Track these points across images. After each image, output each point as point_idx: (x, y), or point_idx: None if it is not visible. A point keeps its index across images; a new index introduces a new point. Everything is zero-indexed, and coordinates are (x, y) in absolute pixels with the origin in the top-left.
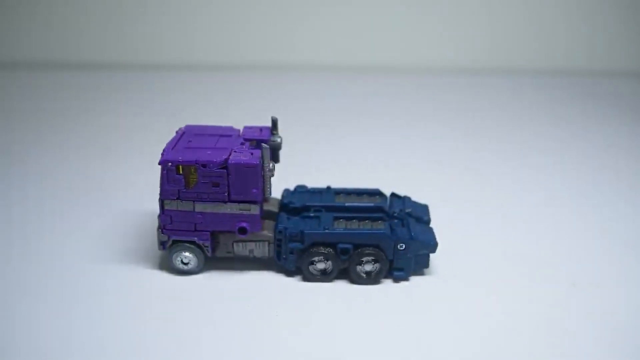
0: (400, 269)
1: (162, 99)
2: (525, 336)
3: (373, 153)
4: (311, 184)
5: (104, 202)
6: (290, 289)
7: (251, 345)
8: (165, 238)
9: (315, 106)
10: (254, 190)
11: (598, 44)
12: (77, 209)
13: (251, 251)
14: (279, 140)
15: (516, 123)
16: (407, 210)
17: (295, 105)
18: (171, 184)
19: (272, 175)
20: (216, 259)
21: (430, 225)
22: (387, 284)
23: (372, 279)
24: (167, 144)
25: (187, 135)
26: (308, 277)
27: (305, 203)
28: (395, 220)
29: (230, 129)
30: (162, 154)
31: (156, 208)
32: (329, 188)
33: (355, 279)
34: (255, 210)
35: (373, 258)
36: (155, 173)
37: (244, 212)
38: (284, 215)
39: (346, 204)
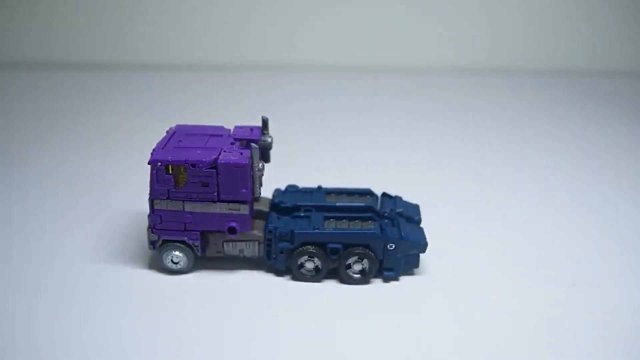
0: (390, 269)
1: (162, 99)
2: (525, 336)
3: (373, 153)
4: (311, 183)
5: (104, 202)
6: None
7: (250, 345)
8: (155, 237)
9: (315, 106)
10: (243, 190)
11: (598, 44)
12: (77, 209)
13: (241, 251)
14: (269, 140)
15: (516, 123)
16: (398, 210)
17: (295, 105)
18: (161, 183)
19: (262, 175)
20: (206, 258)
21: (421, 225)
22: (379, 284)
23: (362, 278)
24: (157, 144)
25: (178, 135)
26: (298, 277)
27: (295, 203)
28: (386, 220)
29: (221, 128)
30: (152, 154)
31: None
32: (320, 188)
33: (345, 279)
34: (244, 210)
35: (359, 257)
36: None
37: (234, 212)
38: (274, 214)
39: (337, 204)
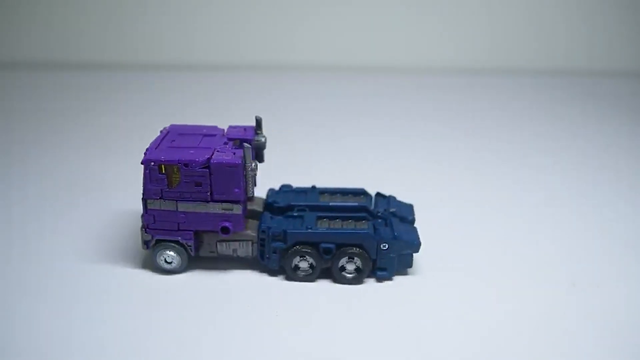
0: (384, 269)
1: (162, 99)
2: (525, 336)
3: (373, 153)
4: (311, 183)
5: (104, 202)
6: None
7: (250, 345)
8: (148, 237)
9: (315, 106)
10: (236, 190)
11: (598, 44)
12: (77, 209)
13: (235, 250)
14: (263, 140)
15: (516, 123)
16: (391, 210)
17: (295, 105)
18: (154, 183)
19: (255, 174)
20: (200, 258)
21: (416, 225)
22: (377, 285)
23: (355, 278)
24: (150, 144)
25: (171, 135)
26: (291, 277)
27: (289, 202)
28: (379, 220)
29: (214, 128)
30: (145, 154)
31: None
32: (313, 187)
33: (339, 279)
34: (237, 210)
35: (350, 257)
36: None
37: (227, 212)
38: (267, 214)
39: (330, 204)
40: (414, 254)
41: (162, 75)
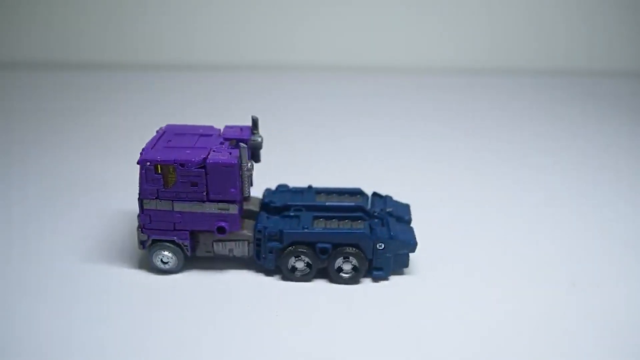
0: (380, 269)
1: (162, 99)
2: (525, 336)
3: (373, 153)
4: (311, 183)
5: (104, 202)
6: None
7: (250, 345)
8: (145, 237)
9: (315, 106)
10: (232, 190)
11: (598, 44)
12: (77, 209)
13: (231, 250)
14: (259, 139)
15: (516, 123)
16: (388, 210)
17: (295, 105)
18: (150, 183)
19: (251, 174)
20: (196, 258)
21: (412, 225)
22: (376, 285)
23: (351, 278)
24: (147, 143)
25: (167, 135)
26: (288, 277)
27: (285, 202)
28: (376, 220)
29: (211, 128)
30: (141, 154)
31: None
32: (310, 187)
33: (335, 279)
34: (234, 209)
35: (345, 257)
36: None
37: (223, 212)
38: (263, 214)
39: (326, 204)
40: (412, 254)
41: (162, 75)
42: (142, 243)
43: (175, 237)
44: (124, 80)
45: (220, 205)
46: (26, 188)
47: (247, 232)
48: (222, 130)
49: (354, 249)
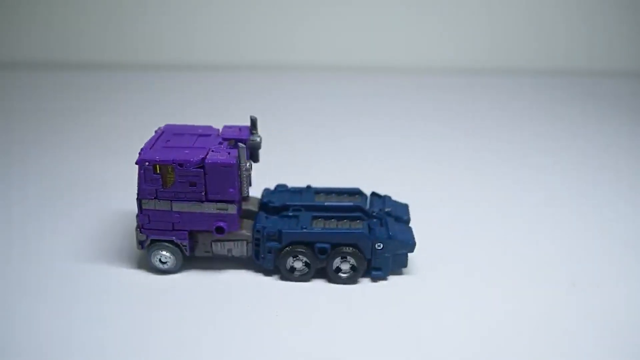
0: (378, 269)
1: (162, 99)
2: (525, 336)
3: (373, 153)
4: (311, 183)
5: (104, 202)
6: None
7: (250, 345)
8: (143, 237)
9: (315, 106)
10: (231, 190)
11: (598, 44)
12: (77, 209)
13: (230, 250)
14: (258, 139)
15: (516, 123)
16: (386, 210)
17: (295, 105)
18: (148, 183)
19: (249, 174)
20: (195, 258)
21: (411, 225)
22: (376, 285)
23: (349, 278)
24: (145, 143)
25: (166, 135)
26: (286, 277)
27: (284, 202)
28: (374, 220)
29: (209, 128)
30: (140, 154)
31: None
32: (308, 187)
33: (333, 279)
34: (232, 209)
35: (343, 257)
36: None
37: (222, 212)
38: (262, 214)
39: (325, 203)
40: (410, 254)
41: (162, 75)
42: (140, 243)
43: (174, 237)
44: (124, 80)
45: (219, 205)
46: (26, 188)
47: (246, 232)
48: (220, 130)
49: (353, 248)
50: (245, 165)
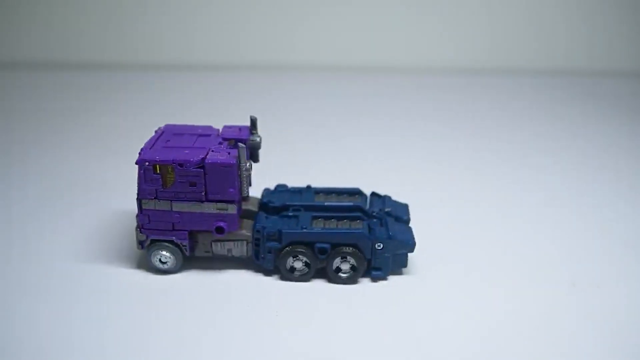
0: (378, 269)
1: (162, 99)
2: (525, 336)
3: (373, 153)
4: (311, 183)
5: (104, 202)
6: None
7: (250, 345)
8: (143, 237)
9: (315, 106)
10: (231, 190)
11: (598, 44)
12: (77, 209)
13: (229, 250)
14: (258, 139)
15: (516, 123)
16: (386, 210)
17: (295, 105)
18: (148, 183)
19: (249, 174)
20: (195, 258)
21: (411, 225)
22: (375, 285)
23: (349, 278)
24: (145, 143)
25: (166, 135)
26: (286, 276)
27: (284, 202)
28: (374, 220)
29: (209, 128)
30: (140, 154)
31: None
32: (308, 187)
33: (333, 279)
34: (232, 209)
35: (343, 257)
36: None
37: (222, 212)
38: (262, 214)
39: (325, 203)
40: (410, 254)
41: (162, 75)
42: (140, 243)
43: (173, 237)
44: (124, 80)
45: (219, 205)
46: (26, 188)
47: (246, 232)
48: (220, 130)
49: (353, 248)
50: (245, 165)
